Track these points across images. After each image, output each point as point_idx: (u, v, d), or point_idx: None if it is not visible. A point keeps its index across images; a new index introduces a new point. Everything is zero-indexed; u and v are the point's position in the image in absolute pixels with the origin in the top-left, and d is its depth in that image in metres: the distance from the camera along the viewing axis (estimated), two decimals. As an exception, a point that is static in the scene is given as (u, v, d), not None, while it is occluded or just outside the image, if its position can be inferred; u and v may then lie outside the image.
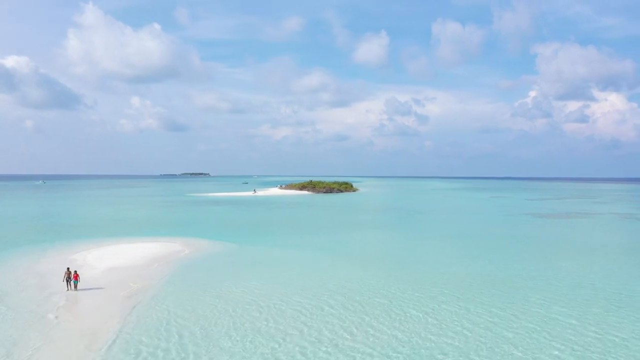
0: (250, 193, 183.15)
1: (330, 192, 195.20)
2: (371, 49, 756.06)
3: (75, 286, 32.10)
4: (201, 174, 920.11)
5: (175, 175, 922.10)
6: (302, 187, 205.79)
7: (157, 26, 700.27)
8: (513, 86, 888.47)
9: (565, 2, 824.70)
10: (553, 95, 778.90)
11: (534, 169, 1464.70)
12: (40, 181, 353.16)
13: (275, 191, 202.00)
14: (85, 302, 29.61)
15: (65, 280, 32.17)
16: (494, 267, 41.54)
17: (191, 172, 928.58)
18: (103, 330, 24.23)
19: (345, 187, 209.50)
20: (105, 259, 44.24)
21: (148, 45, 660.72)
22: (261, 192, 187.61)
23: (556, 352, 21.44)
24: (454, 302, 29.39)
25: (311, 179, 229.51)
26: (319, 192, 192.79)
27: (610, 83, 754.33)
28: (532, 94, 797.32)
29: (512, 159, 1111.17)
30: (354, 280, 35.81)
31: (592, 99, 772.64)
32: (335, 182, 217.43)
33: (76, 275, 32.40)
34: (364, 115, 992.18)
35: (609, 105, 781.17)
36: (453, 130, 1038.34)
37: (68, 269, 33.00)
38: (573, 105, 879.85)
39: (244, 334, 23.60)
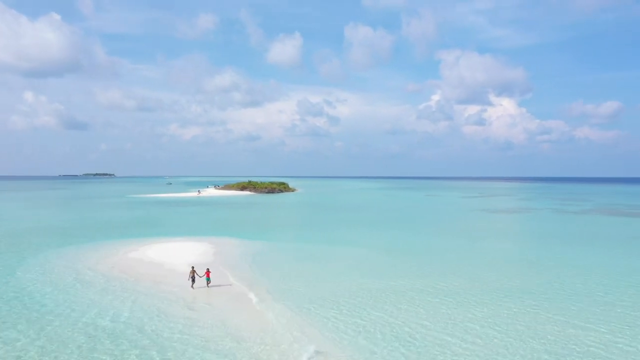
0: (195, 194, 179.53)
1: (272, 192, 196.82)
2: (285, 49, 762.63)
3: (208, 283, 32.64)
4: (105, 174, 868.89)
5: (77, 175, 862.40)
6: (243, 187, 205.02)
7: (56, 16, 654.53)
8: (419, 90, 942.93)
9: (462, 12, 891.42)
10: (455, 99, 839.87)
11: (437, 169, 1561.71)
12: None
13: (215, 192, 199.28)
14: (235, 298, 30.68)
15: (190, 278, 32.52)
16: (524, 252, 47.68)
17: (94, 172, 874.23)
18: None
19: (283, 187, 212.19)
20: (163, 256, 44.13)
21: (46, 37, 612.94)
22: (205, 193, 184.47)
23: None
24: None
25: (224, 178, 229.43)
26: (261, 192, 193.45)
27: (505, 89, 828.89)
28: (436, 97, 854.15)
29: (417, 160, 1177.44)
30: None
31: (489, 103, 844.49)
32: (272, 183, 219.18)
33: (208, 273, 32.98)
34: (276, 115, 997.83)
35: (502, 110, 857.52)
36: (362, 131, 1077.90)
37: (193, 267, 33.41)
38: (472, 109, 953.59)
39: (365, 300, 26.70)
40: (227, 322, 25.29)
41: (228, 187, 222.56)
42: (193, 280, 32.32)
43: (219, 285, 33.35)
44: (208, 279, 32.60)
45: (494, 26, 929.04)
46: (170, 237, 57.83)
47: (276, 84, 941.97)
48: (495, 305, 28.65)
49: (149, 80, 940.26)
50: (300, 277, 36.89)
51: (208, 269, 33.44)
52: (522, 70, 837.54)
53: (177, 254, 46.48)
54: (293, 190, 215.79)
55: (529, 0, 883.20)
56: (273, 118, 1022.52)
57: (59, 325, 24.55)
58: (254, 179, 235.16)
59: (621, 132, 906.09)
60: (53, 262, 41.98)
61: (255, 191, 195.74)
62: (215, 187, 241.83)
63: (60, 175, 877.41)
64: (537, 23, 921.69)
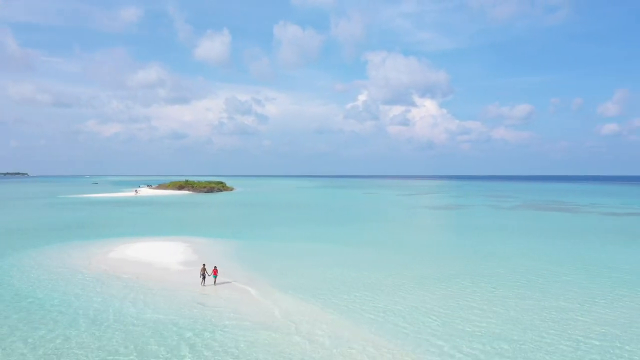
0: (132, 193, 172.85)
1: (211, 191, 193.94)
2: (213, 46, 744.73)
3: (214, 281, 32.97)
4: (17, 173, 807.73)
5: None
6: (180, 187, 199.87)
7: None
8: (346, 90, 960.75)
9: (389, 15, 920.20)
10: (381, 100, 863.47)
11: (364, 167, 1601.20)
12: None
13: (151, 191, 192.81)
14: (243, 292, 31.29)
15: (201, 276, 32.75)
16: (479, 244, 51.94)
17: (4, 171, 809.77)
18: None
19: (222, 186, 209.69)
20: (146, 256, 43.44)
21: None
22: (142, 193, 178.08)
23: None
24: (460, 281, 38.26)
25: (152, 178, 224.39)
26: (199, 191, 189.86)
27: (428, 91, 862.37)
28: (363, 97, 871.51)
29: (344, 159, 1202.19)
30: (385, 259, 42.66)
31: (413, 104, 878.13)
32: (210, 182, 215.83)
33: (215, 270, 33.28)
34: (203, 113, 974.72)
35: (425, 111, 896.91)
36: (291, 130, 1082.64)
37: (204, 265, 33.56)
38: (397, 110, 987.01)
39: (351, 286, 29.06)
40: (248, 313, 26.27)
41: (163, 186, 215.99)
42: (204, 278, 32.66)
43: (222, 283, 33.84)
44: (215, 277, 33.04)
45: (419, 30, 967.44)
46: (139, 237, 56.50)
47: (204, 81, 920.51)
48: (456, 288, 31.77)
49: (65, 74, 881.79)
50: (288, 271, 38.44)
51: (215, 267, 33.83)
52: (444, 73, 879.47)
53: (158, 253, 45.87)
54: (231, 189, 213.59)
55: (452, 6, 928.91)
56: (200, 116, 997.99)
57: (115, 321, 24.33)
58: (180, 178, 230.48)
59: (533, 133, 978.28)
60: (35, 264, 40.13)
61: (194, 190, 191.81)
62: (148, 186, 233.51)
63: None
64: (458, 28, 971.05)
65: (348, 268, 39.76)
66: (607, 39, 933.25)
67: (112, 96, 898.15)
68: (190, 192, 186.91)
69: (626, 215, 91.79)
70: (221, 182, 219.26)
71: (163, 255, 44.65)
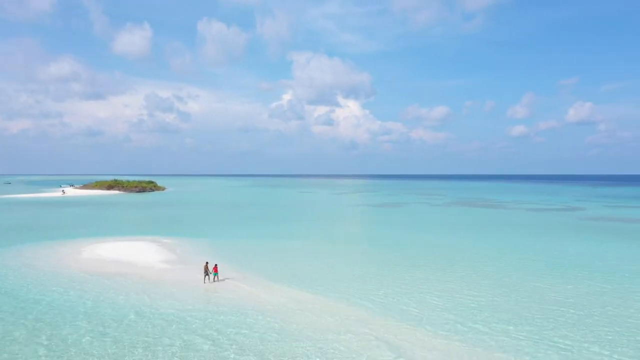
0: (59, 193, 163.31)
1: (143, 191, 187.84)
2: (132, 40, 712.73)
3: (215, 278, 33.80)
4: None
5: None
6: (110, 186, 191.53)
7: None
8: (271, 88, 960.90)
9: (313, 15, 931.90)
10: (305, 100, 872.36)
11: (289, 166, 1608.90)
12: None
13: (79, 191, 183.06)
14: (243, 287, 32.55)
15: (204, 273, 33.55)
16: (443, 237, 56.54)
17: None
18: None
19: (153, 185, 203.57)
20: (120, 256, 43.06)
21: None
22: (70, 193, 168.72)
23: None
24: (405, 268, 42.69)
25: (62, 177, 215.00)
26: (131, 191, 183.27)
27: (352, 92, 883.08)
28: (288, 97, 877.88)
29: (269, 157, 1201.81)
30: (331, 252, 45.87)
31: (337, 104, 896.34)
32: (141, 182, 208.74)
33: (215, 268, 34.07)
34: (121, 109, 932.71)
35: (349, 111, 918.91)
36: (214, 128, 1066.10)
37: (207, 263, 34.21)
38: (321, 110, 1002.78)
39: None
40: (253, 305, 28.01)
41: (89, 186, 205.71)
42: (207, 275, 33.60)
43: (222, 280, 34.95)
44: (216, 274, 34.01)
45: (342, 31, 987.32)
46: (101, 238, 55.22)
47: (122, 76, 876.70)
48: (420, 274, 35.69)
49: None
50: (272, 266, 40.34)
51: (216, 264, 34.77)
52: (367, 75, 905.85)
53: (132, 252, 45.61)
54: (163, 188, 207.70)
55: (374, 10, 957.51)
56: (118, 112, 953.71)
57: (134, 320, 24.88)
58: (97, 178, 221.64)
59: (449, 134, 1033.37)
60: (18, 264, 38.61)
61: (125, 190, 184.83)
62: (72, 186, 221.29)
63: None
64: (380, 32, 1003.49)
65: (322, 261, 42.63)
66: (517, 45, 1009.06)
67: (21, 90, 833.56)
68: (121, 192, 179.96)
69: (548, 211, 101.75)
70: (152, 182, 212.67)
71: (138, 255, 44.50)
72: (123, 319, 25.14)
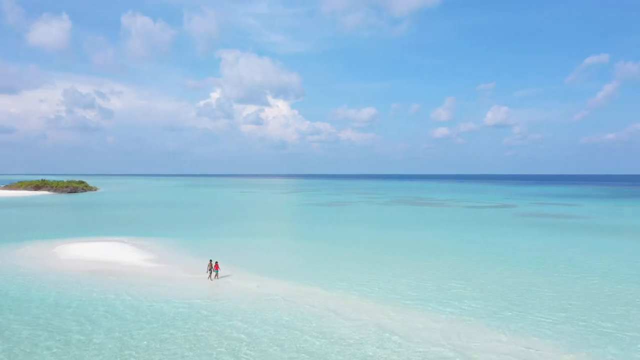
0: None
1: (75, 191, 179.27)
2: (49, 31, 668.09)
3: (216, 275, 34.81)
4: None
5: None
6: (37, 186, 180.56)
7: None
8: (199, 86, 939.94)
9: (242, 14, 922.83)
10: (234, 98, 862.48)
11: (217, 166, 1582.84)
12: None
13: (4, 192, 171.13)
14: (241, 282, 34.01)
15: (208, 270, 34.64)
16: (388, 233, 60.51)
17: None
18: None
19: (85, 186, 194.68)
20: (96, 256, 42.79)
21: None
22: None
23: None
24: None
25: None
26: (62, 192, 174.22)
27: (281, 91, 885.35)
28: (216, 95, 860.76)
29: (197, 157, 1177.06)
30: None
31: (266, 104, 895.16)
32: (71, 181, 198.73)
33: (217, 265, 35.08)
34: (36, 105, 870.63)
35: (278, 111, 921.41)
36: (138, 126, 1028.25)
37: (211, 261, 35.27)
38: (250, 109, 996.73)
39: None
40: (256, 297, 30.07)
41: (13, 187, 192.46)
42: (211, 272, 34.76)
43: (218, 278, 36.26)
44: (217, 271, 35.19)
45: (271, 31, 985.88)
46: (65, 239, 53.85)
47: (37, 69, 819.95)
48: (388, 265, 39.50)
49: None
50: (256, 261, 42.16)
51: (217, 262, 35.86)
52: (297, 75, 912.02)
53: (107, 252, 45.52)
54: (95, 189, 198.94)
55: (303, 12, 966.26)
56: (32, 108, 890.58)
57: (154, 318, 25.84)
58: (9, 178, 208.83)
59: (376, 135, 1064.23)
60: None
61: (55, 191, 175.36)
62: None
63: None
64: (309, 33, 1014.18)
65: (298, 255, 45.32)
66: (441, 51, 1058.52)
67: None
68: (51, 193, 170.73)
69: (485, 208, 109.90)
70: (83, 182, 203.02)
71: (117, 255, 44.42)
72: (142, 316, 26.10)
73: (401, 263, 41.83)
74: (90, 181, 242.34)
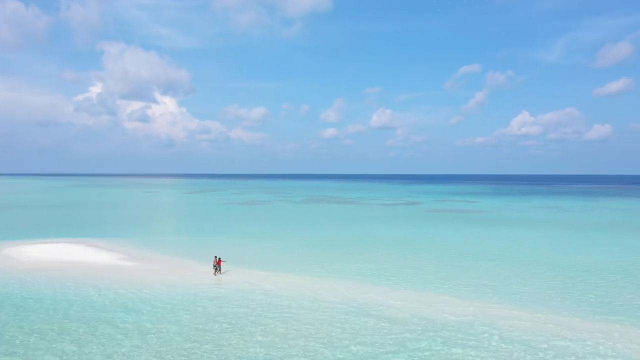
0: None
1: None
2: None
3: (219, 270, 36.71)
4: None
5: None
6: None
7: None
8: (78, 79, 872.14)
9: (126, 4, 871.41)
10: (118, 94, 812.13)
11: (97, 164, 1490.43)
12: None
13: None
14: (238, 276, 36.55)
15: (214, 267, 36.71)
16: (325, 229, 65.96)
17: None
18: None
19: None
20: (57, 256, 42.42)
21: None
22: None
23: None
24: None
25: None
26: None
27: (169, 88, 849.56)
28: (97, 89, 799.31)
29: (75, 155, 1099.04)
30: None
31: (153, 100, 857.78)
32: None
33: (220, 262, 36.93)
34: None
35: (165, 108, 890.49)
36: (6, 121, 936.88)
37: (215, 257, 37.29)
38: (136, 105, 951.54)
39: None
40: (257, 291, 33.58)
41: None
42: (215, 269, 36.80)
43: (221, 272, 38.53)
44: (219, 267, 37.12)
45: (158, 24, 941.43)
46: (9, 242, 51.56)
47: None
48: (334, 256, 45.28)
49: None
50: (244, 255, 44.70)
51: (220, 258, 37.73)
52: (186, 72, 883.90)
53: (71, 253, 45.27)
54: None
55: (193, 5, 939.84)
56: None
57: (171, 310, 27.96)
58: None
59: (267, 135, 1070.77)
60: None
61: None
62: None
63: None
64: (199, 28, 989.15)
65: (248, 249, 48.54)
66: (331, 54, 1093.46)
67: None
68: None
69: (395, 205, 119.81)
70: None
71: (83, 256, 44.20)
72: (160, 312, 28.28)
73: (335, 256, 46.63)
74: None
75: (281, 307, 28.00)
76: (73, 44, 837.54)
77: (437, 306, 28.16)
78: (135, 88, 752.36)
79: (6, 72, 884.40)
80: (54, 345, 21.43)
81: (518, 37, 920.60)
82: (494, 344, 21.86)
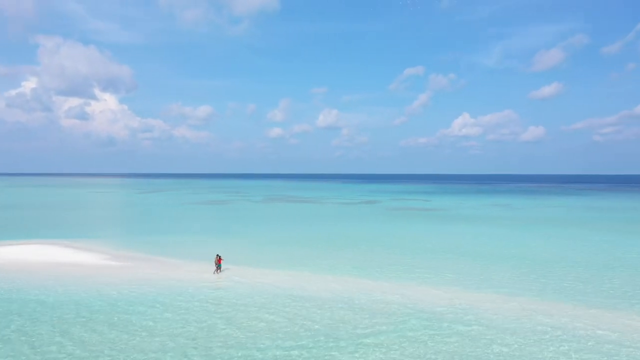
0: None
1: None
2: None
3: (219, 269, 37.78)
4: None
5: None
6: None
7: None
8: (8, 74, 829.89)
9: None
10: (54, 90, 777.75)
11: (31, 163, 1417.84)
12: None
13: None
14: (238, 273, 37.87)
15: (216, 265, 37.80)
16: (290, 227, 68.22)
17: None
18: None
19: None
20: (44, 258, 42.20)
21: None
22: None
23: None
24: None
25: None
26: None
27: (110, 84, 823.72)
28: (31, 85, 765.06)
29: (5, 153, 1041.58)
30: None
31: (93, 97, 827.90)
32: None
33: (220, 260, 37.95)
34: None
35: (105, 105, 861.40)
36: None
37: (217, 255, 38.32)
38: (74, 102, 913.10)
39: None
40: (256, 285, 35.44)
41: None
42: (216, 267, 37.89)
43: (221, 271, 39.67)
44: (219, 265, 38.21)
45: (97, 18, 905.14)
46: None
47: None
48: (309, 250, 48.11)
49: None
50: (238, 253, 45.89)
51: (221, 257, 38.66)
52: (128, 68, 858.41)
53: (52, 254, 45.14)
54: None
55: (136, 0, 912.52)
56: None
57: (187, 304, 29.21)
58: None
59: (212, 134, 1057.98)
60: None
61: None
62: None
63: None
64: (141, 23, 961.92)
65: (243, 247, 49.90)
66: (278, 53, 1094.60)
67: None
68: None
69: (355, 204, 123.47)
70: None
71: (67, 257, 44.22)
72: (176, 308, 29.54)
73: (312, 252, 49.61)
74: None
75: (273, 300, 30.00)
76: (3, 36, 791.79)
77: (417, 296, 31.04)
78: (72, 84, 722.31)
79: None
80: (54, 346, 22.36)
81: (460, 41, 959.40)
82: (470, 327, 24.77)
